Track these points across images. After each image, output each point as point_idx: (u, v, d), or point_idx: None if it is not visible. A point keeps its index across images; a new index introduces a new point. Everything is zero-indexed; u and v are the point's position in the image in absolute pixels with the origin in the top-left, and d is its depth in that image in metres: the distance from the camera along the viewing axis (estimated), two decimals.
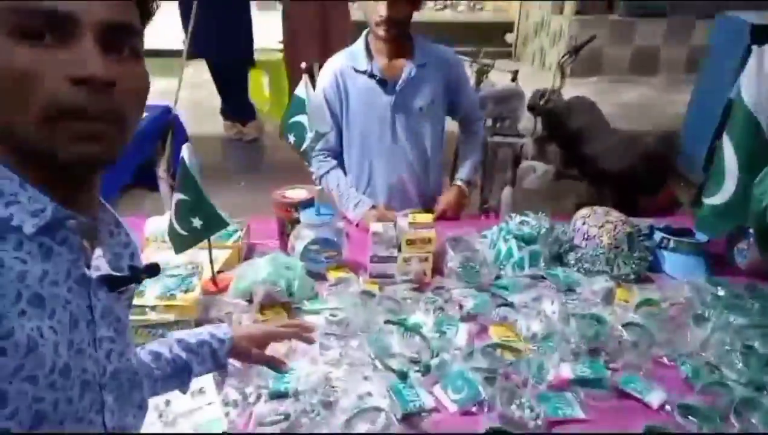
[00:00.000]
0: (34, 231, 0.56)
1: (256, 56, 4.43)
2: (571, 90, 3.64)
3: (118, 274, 0.67)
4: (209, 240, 1.21)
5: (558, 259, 1.52)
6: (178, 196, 1.11)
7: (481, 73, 3.45)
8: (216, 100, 4.62)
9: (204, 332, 0.94)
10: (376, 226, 1.46)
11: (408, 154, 1.77)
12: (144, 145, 2.80)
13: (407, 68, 1.68)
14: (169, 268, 1.31)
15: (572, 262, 1.49)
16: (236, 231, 1.54)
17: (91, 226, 0.67)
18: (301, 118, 1.31)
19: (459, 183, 1.86)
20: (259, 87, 4.64)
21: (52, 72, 0.52)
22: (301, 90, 1.30)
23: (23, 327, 0.54)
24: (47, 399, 0.55)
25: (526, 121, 3.49)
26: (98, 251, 0.67)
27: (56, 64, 0.52)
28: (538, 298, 1.32)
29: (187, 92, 4.57)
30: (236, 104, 4.56)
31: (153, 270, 0.72)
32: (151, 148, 2.90)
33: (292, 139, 1.37)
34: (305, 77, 1.30)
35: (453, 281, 1.41)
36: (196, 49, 4.09)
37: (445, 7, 7.72)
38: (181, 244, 1.16)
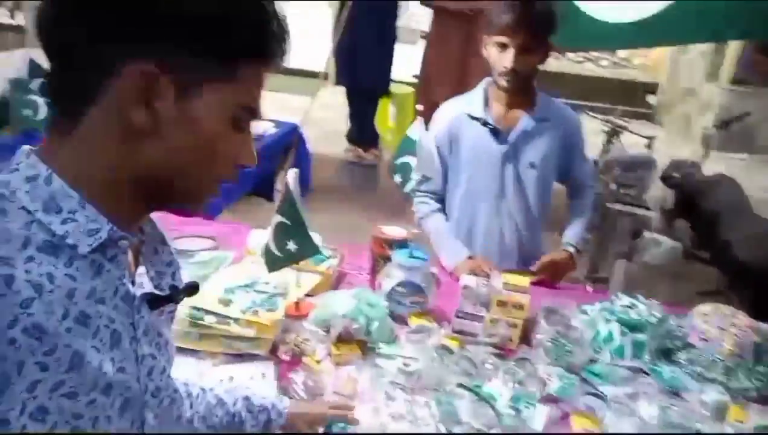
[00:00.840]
0: (88, 251, 0.57)
1: (395, 88, 4.58)
2: (713, 165, 3.34)
3: (159, 292, 0.69)
4: (299, 264, 1.22)
5: (666, 354, 1.35)
6: (278, 218, 1.14)
7: (613, 134, 3.27)
8: (346, 123, 4.82)
9: (267, 400, 0.98)
10: (467, 279, 1.40)
11: (513, 208, 1.70)
12: (269, 158, 2.97)
13: (524, 120, 1.63)
14: (260, 283, 1.35)
15: (682, 362, 1.32)
16: (330, 257, 1.55)
17: (138, 242, 0.70)
18: (410, 160, 1.30)
19: (569, 248, 1.74)
20: (386, 116, 4.77)
21: (232, 155, 0.64)
22: (413, 131, 1.29)
23: (68, 345, 0.54)
24: (86, 416, 0.55)
25: (656, 190, 3.24)
26: (142, 268, 0.69)
27: (236, 150, 0.64)
28: (635, 396, 1.18)
29: (321, 112, 4.83)
30: (361, 129, 4.72)
31: (192, 290, 0.74)
32: (275, 161, 3.07)
33: (398, 179, 1.36)
34: (420, 119, 1.29)
35: (540, 355, 1.31)
36: (336, 74, 4.33)
37: (586, 59, 7.46)
38: (273, 264, 1.19)
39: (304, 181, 3.23)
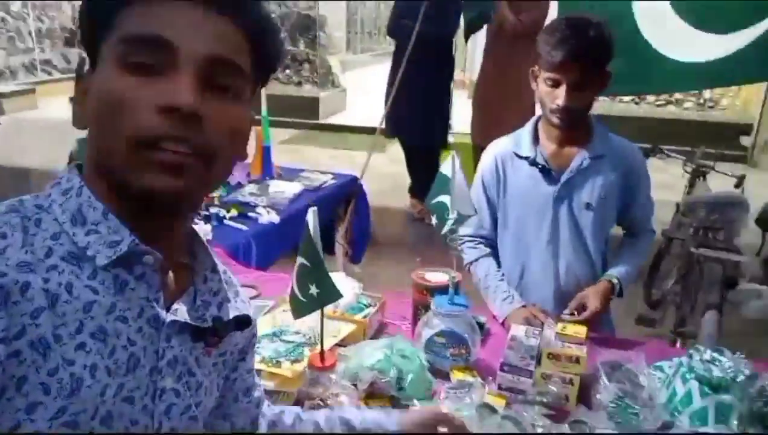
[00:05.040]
0: (106, 263, 0.55)
1: (454, 139, 4.53)
2: None
3: (193, 323, 0.63)
4: (322, 311, 1.15)
5: (760, 420, 1.12)
6: (301, 259, 1.08)
7: (696, 175, 3.00)
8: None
9: (369, 417, 0.89)
10: (516, 330, 1.26)
11: (567, 253, 1.54)
12: (327, 209, 2.96)
13: (578, 158, 1.48)
14: (288, 332, 1.28)
15: None
16: (369, 306, 1.47)
17: (183, 267, 0.65)
18: (444, 199, 1.21)
19: (613, 279, 1.52)
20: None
21: (145, 100, 0.53)
22: (446, 168, 1.20)
23: (73, 363, 0.52)
24: None
25: (752, 236, 2.90)
26: (183, 297, 0.64)
27: (150, 93, 0.53)
28: None
29: (387, 166, 4.87)
30: (423, 184, 4.66)
31: (240, 324, 0.68)
32: (333, 213, 3.06)
33: (434, 220, 1.26)
34: (453, 154, 1.21)
35: (601, 418, 1.12)
36: (392, 130, 4.35)
37: (668, 102, 7.10)
38: (298, 309, 1.11)
39: (363, 232, 3.23)
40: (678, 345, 2.37)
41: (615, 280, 1.51)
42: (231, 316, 0.68)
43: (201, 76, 0.54)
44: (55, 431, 0.50)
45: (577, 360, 1.17)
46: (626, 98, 6.97)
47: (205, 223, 2.10)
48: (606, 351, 1.24)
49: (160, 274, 0.60)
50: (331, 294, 1.07)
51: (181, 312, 0.62)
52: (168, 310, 0.61)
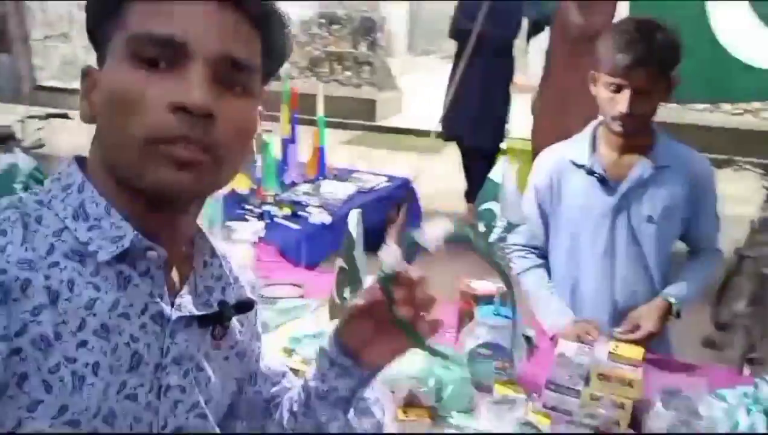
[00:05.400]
0: (108, 259, 0.54)
1: (511, 144, 4.43)
2: None
3: (200, 313, 0.62)
4: None
5: None
6: (339, 262, 1.07)
7: None
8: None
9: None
10: (564, 345, 1.21)
11: (626, 269, 1.45)
12: (378, 211, 2.96)
13: (639, 167, 1.39)
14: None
15: None
16: None
17: (185, 257, 0.64)
18: (493, 206, 1.17)
19: (670, 299, 1.42)
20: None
21: (156, 98, 0.52)
22: (496, 173, 1.16)
23: (75, 361, 0.52)
24: None
25: None
26: (186, 288, 0.63)
27: (161, 90, 0.52)
28: None
29: (442, 170, 4.82)
30: (479, 189, 4.58)
31: (244, 307, 0.66)
32: (384, 215, 3.05)
33: (482, 227, 1.23)
34: (504, 159, 1.16)
35: None
36: (449, 131, 4.30)
37: (745, 111, 6.68)
38: (333, 312, 1.11)
39: None
40: (745, 372, 2.20)
41: (672, 300, 1.42)
42: (234, 301, 0.67)
43: (212, 74, 0.54)
44: (58, 430, 0.50)
45: (631, 383, 1.10)
46: (699, 106, 6.60)
47: (258, 220, 2.13)
48: (663, 375, 1.17)
49: (165, 270, 0.60)
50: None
51: (185, 305, 0.62)
52: (172, 305, 0.60)
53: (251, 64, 0.57)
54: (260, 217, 2.18)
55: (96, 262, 0.54)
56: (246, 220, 2.11)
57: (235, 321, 0.69)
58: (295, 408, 0.75)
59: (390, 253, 0.64)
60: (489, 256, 0.69)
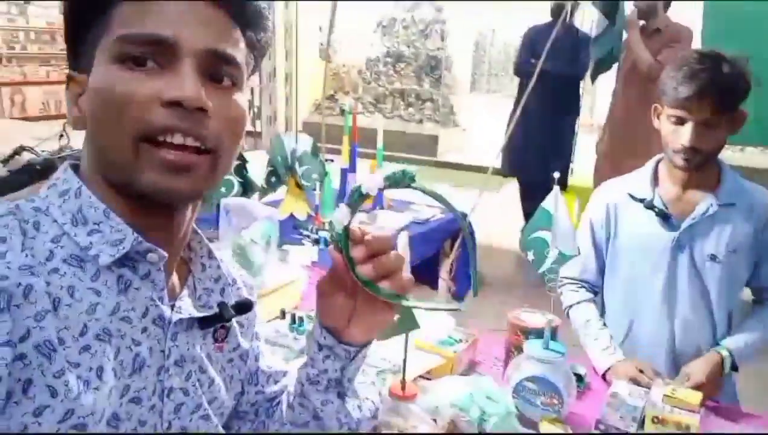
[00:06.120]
0: (110, 262, 0.55)
1: (573, 182, 4.34)
2: None
3: (200, 314, 0.63)
4: (406, 341, 1.13)
5: None
6: None
7: None
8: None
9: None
10: (618, 386, 1.15)
11: (687, 310, 1.37)
12: (432, 242, 2.95)
13: (704, 203, 1.34)
14: (374, 357, 1.27)
15: None
16: (460, 341, 1.42)
17: (183, 260, 0.65)
18: (544, 234, 1.15)
19: (722, 352, 1.33)
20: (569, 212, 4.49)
21: (148, 95, 0.53)
22: (549, 202, 1.15)
23: (78, 366, 0.52)
24: None
25: None
26: (186, 291, 0.64)
27: (153, 88, 0.53)
28: None
29: (500, 207, 4.78)
30: None
31: (243, 308, 0.66)
32: (438, 247, 3.04)
33: (531, 256, 1.20)
34: (556, 188, 1.15)
35: None
36: (510, 167, 4.27)
37: None
38: (380, 333, 1.11)
39: (469, 270, 3.16)
40: None
41: (725, 353, 1.33)
42: (233, 302, 0.67)
43: (201, 69, 0.55)
44: (63, 433, 0.50)
45: (688, 427, 1.03)
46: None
47: (313, 245, 2.18)
48: (724, 423, 1.09)
49: (164, 273, 0.60)
50: (408, 323, 1.06)
51: (185, 307, 0.62)
52: (172, 308, 0.61)
53: (238, 58, 0.58)
54: (315, 242, 2.23)
55: (96, 267, 0.55)
56: (302, 244, 2.17)
57: (235, 323, 0.70)
58: (291, 399, 0.76)
59: (338, 211, 0.63)
60: (430, 193, 0.67)
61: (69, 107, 0.59)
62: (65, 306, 0.52)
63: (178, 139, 0.53)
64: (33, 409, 0.49)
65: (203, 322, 0.63)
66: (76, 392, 0.51)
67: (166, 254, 0.58)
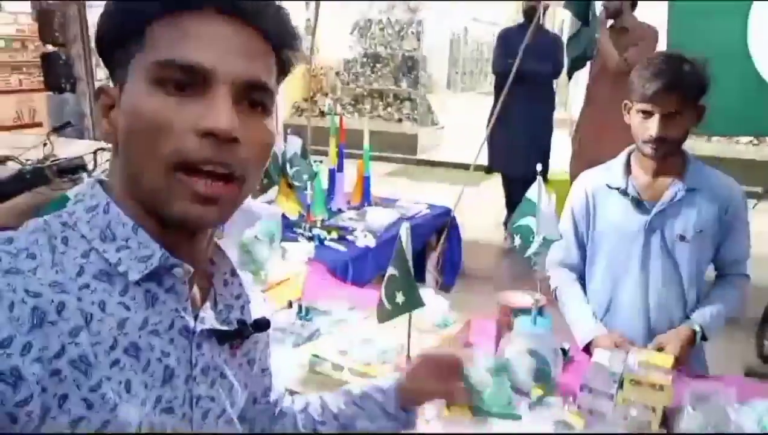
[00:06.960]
0: (139, 278, 0.56)
1: (551, 174, 4.51)
2: None
3: (223, 328, 0.65)
4: (410, 321, 1.25)
5: None
6: (391, 270, 1.19)
7: None
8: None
9: (369, 384, 0.88)
10: (600, 355, 1.29)
11: (660, 286, 1.52)
12: (419, 237, 3.07)
13: (673, 189, 1.48)
14: (379, 340, 1.39)
15: None
16: (455, 323, 1.54)
17: (204, 274, 0.66)
18: (529, 221, 1.28)
19: (695, 327, 1.48)
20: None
21: (182, 123, 0.53)
22: (532, 192, 1.27)
23: (109, 380, 0.53)
24: None
25: None
26: (208, 303, 0.66)
27: (187, 115, 0.53)
28: None
29: (481, 202, 4.93)
30: None
31: (261, 326, 0.68)
32: (425, 241, 3.16)
33: (518, 241, 1.33)
34: (539, 179, 1.28)
35: None
36: (493, 163, 4.43)
37: None
38: (383, 315, 1.23)
39: (454, 262, 3.30)
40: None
41: (697, 328, 1.48)
42: (251, 319, 0.69)
43: (236, 97, 0.55)
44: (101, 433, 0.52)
45: (662, 388, 1.17)
46: (744, 139, 6.54)
47: (308, 242, 2.28)
48: (693, 381, 1.23)
49: (189, 284, 0.61)
50: (415, 302, 1.18)
51: (208, 319, 0.63)
52: (196, 318, 0.62)
53: (269, 84, 0.59)
54: (310, 239, 2.33)
55: (124, 282, 0.56)
56: (298, 241, 2.27)
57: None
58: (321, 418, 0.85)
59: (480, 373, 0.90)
60: None
61: (98, 120, 0.59)
62: (97, 321, 0.53)
63: (208, 167, 0.54)
64: (69, 421, 0.50)
65: (222, 337, 0.65)
66: (111, 404, 0.52)
67: (191, 269, 0.59)
